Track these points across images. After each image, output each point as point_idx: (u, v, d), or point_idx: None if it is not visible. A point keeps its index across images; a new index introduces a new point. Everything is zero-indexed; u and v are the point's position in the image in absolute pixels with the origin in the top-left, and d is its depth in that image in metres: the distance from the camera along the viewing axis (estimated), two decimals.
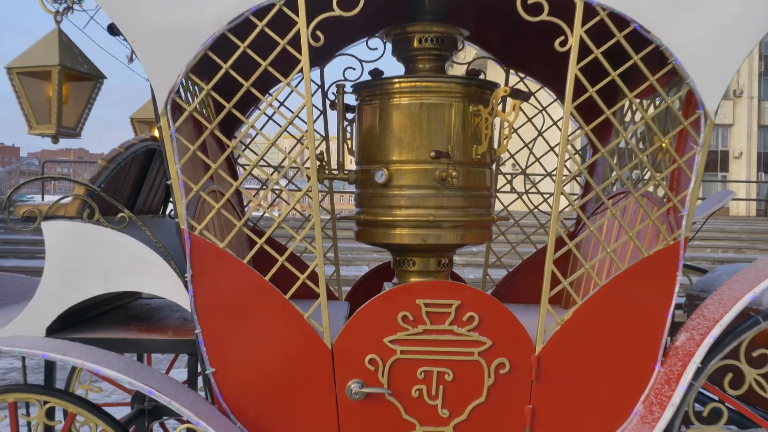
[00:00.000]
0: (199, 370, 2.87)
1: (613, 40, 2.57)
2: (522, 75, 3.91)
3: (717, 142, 35.53)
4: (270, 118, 3.73)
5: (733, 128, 35.13)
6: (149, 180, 3.36)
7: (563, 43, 2.56)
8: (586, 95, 2.62)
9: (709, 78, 2.59)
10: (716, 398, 2.64)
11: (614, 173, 3.41)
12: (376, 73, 3.23)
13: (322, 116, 3.85)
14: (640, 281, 2.63)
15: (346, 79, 3.61)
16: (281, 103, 3.71)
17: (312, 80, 3.72)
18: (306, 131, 2.63)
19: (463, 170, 2.97)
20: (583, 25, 2.54)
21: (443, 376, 2.61)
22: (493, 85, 3.11)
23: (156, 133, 3.81)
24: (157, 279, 2.66)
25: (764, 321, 2.53)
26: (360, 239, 3.20)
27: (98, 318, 3.09)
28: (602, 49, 2.57)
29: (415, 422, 2.62)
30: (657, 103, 3.29)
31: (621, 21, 2.57)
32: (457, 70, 3.89)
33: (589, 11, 2.55)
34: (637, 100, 3.31)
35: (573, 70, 2.57)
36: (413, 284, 2.67)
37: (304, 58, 2.58)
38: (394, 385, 2.61)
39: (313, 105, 3.75)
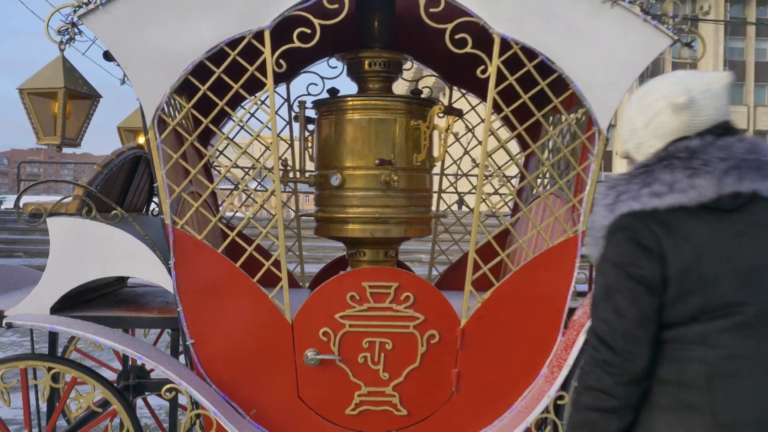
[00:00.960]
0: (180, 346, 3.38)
1: (524, 69, 3.13)
2: (464, 91, 4.48)
3: None
4: (242, 128, 4.23)
5: None
6: (135, 183, 3.86)
7: (484, 71, 3.12)
8: (502, 114, 3.20)
9: (601, 101, 3.16)
10: None
11: (538, 174, 3.97)
12: (332, 92, 3.78)
13: (288, 126, 4.39)
14: (547, 266, 3.20)
15: (309, 93, 4.15)
16: (252, 115, 4.22)
17: (279, 94, 4.29)
18: (272, 140, 3.16)
19: (405, 175, 3.51)
20: (501, 56, 3.10)
21: (384, 346, 3.15)
22: (432, 103, 3.67)
23: (141, 141, 4.33)
24: (145, 266, 3.16)
25: None
26: (318, 233, 3.74)
27: (91, 302, 3.57)
28: (516, 76, 3.13)
29: (361, 384, 3.15)
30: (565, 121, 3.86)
31: (532, 53, 3.13)
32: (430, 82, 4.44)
33: (506, 45, 3.10)
34: (555, 116, 3.89)
35: (491, 93, 3.13)
36: (360, 270, 3.22)
37: (269, 82, 3.10)
38: (344, 353, 3.14)
39: (280, 116, 4.30)
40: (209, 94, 3.10)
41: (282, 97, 4.35)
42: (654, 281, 1.63)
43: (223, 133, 3.30)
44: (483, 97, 4.43)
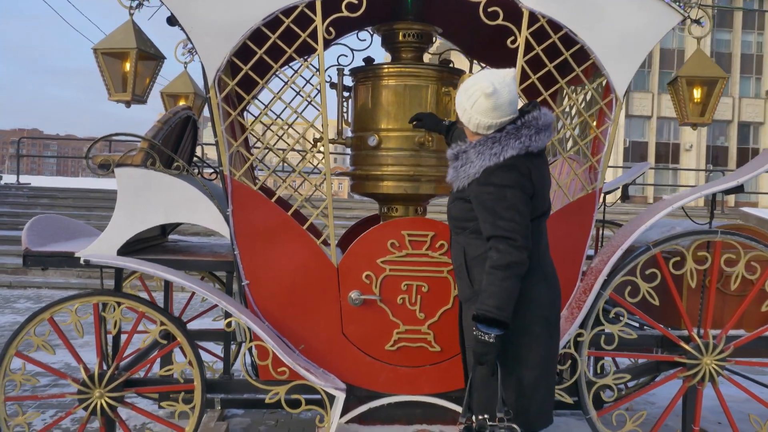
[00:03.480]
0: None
1: (550, 41, 3.46)
2: (483, 64, 4.80)
3: (669, 135, 37.10)
4: (286, 85, 4.53)
5: None
6: (183, 143, 4.16)
7: (513, 42, 3.45)
8: (529, 81, 3.52)
9: (618, 71, 3.50)
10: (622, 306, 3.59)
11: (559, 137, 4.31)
12: (368, 60, 4.09)
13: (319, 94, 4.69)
14: (567, 219, 3.54)
15: (339, 64, 4.46)
16: (288, 81, 4.51)
17: (312, 65, 4.60)
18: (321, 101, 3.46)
19: (436, 137, 3.83)
20: (528, 28, 3.42)
21: (421, 288, 3.49)
22: (460, 72, 3.99)
23: (182, 103, 4.62)
24: (204, 213, 3.46)
25: (654, 248, 3.47)
26: (354, 191, 4.06)
27: (144, 250, 3.87)
28: (542, 46, 3.46)
29: (399, 322, 3.49)
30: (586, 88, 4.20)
31: (557, 26, 3.46)
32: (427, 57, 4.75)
33: (533, 18, 3.43)
34: (571, 87, 4.23)
35: (520, 62, 3.46)
36: (399, 219, 3.56)
37: (320, 48, 3.43)
38: (384, 295, 3.48)
39: (311, 84, 4.61)
40: (265, 57, 3.41)
41: (314, 68, 4.65)
42: (531, 194, 2.64)
43: (275, 93, 3.60)
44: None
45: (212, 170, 4.52)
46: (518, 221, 2.58)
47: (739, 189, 3.44)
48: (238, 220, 3.43)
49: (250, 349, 3.44)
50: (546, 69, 3.51)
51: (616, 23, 3.46)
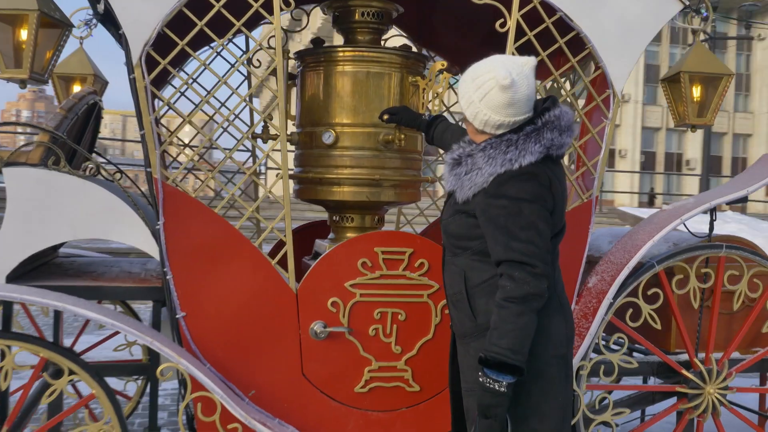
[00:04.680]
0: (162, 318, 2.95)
1: (544, 25, 2.97)
2: (432, 54, 4.27)
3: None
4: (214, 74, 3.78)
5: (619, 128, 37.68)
6: (84, 137, 3.34)
7: (503, 25, 2.94)
8: None
9: (618, 62, 3.09)
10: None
11: None
12: (318, 42, 3.44)
13: (246, 80, 4.00)
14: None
15: (270, 47, 3.77)
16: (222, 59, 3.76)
17: (237, 45, 3.90)
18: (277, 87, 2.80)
19: (407, 135, 3.25)
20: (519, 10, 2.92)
21: (397, 317, 2.90)
22: (427, 59, 3.44)
23: (77, 86, 3.77)
24: (126, 227, 2.71)
25: (658, 265, 3.07)
26: (301, 196, 3.40)
27: (37, 272, 3.03)
28: (535, 31, 2.97)
29: (372, 358, 2.89)
30: (564, 82, 3.76)
31: (550, 9, 2.98)
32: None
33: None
34: (551, 80, 3.78)
35: (510, 48, 2.95)
36: (371, 234, 2.95)
37: (276, 20, 2.77)
38: (354, 325, 2.86)
39: (240, 72, 3.94)
40: (207, 30, 2.70)
41: (240, 49, 3.95)
42: (551, 210, 2.18)
43: (221, 77, 2.90)
44: (452, 60, 4.24)
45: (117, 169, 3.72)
46: (537, 243, 2.12)
47: (744, 198, 3.11)
48: (171, 236, 2.70)
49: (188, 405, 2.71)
50: (539, 58, 3.00)
51: (616, 9, 3.05)
